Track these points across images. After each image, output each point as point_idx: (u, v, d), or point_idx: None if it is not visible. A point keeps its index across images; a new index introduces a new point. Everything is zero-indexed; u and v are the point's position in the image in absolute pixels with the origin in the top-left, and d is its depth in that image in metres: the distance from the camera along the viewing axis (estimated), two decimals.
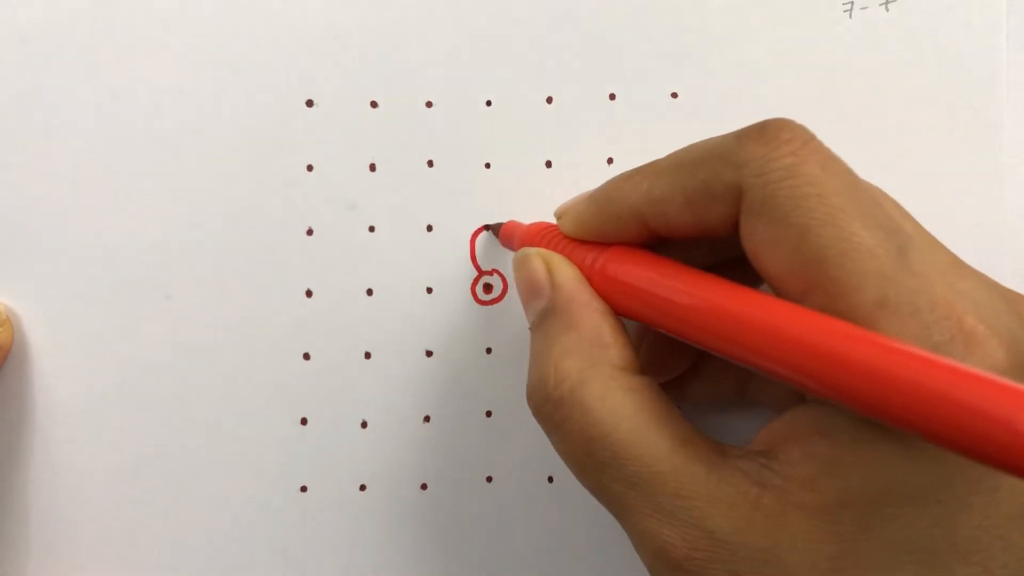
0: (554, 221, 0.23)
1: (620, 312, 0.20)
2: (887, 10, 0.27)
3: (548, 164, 0.27)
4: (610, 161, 0.27)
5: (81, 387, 0.26)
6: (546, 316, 0.21)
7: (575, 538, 0.27)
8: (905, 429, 0.14)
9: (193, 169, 0.25)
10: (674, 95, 0.27)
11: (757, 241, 0.18)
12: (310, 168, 0.26)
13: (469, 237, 0.26)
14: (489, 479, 0.27)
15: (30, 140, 0.25)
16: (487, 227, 0.26)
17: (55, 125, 0.25)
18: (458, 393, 0.27)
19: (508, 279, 0.27)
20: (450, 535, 0.27)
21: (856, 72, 0.27)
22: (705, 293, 0.18)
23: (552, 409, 0.19)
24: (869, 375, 0.15)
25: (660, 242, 0.21)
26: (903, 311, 0.16)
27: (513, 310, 0.27)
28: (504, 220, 0.26)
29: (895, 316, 0.16)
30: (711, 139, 0.19)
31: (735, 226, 0.18)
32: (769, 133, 0.18)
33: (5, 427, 0.26)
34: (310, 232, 0.26)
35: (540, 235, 0.23)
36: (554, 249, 0.22)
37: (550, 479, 0.27)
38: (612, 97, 0.27)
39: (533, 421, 0.27)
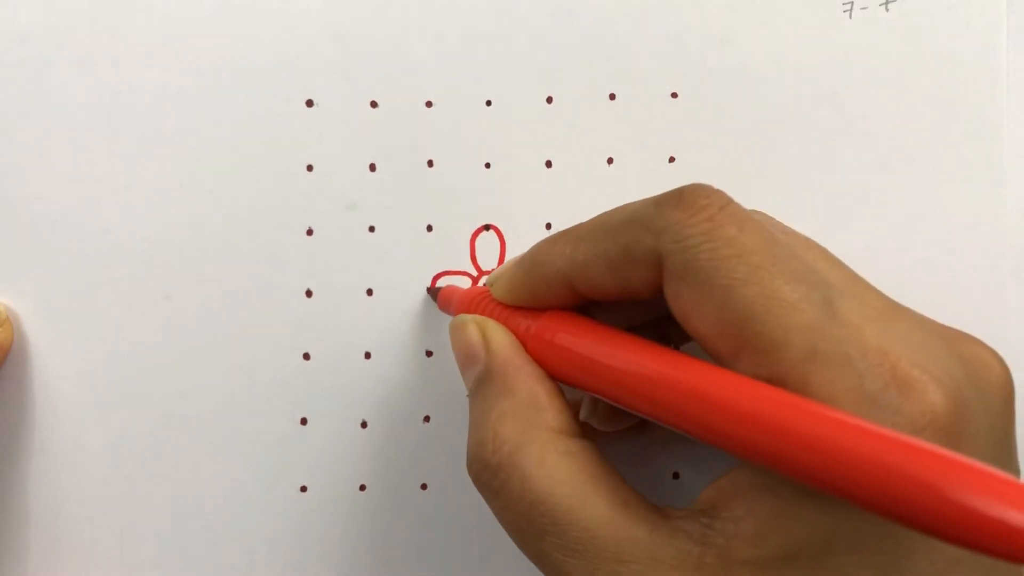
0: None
1: (555, 377, 0.20)
2: (887, 10, 0.27)
3: (548, 164, 0.27)
4: (610, 161, 0.27)
5: (81, 387, 0.26)
6: (482, 382, 0.21)
7: None
8: (834, 494, 0.14)
9: (193, 169, 0.25)
10: (674, 95, 0.27)
11: (683, 304, 0.18)
12: (310, 168, 0.26)
13: (469, 237, 0.26)
14: None
15: (30, 140, 0.25)
16: (428, 290, 0.26)
17: (55, 125, 0.25)
18: (457, 393, 0.27)
19: None
20: (450, 535, 0.27)
21: (856, 72, 0.27)
22: (637, 359, 0.18)
23: (491, 476, 0.19)
24: (797, 443, 0.15)
25: (590, 303, 0.21)
26: (833, 362, 0.16)
27: None
28: (443, 283, 0.26)
29: (826, 368, 0.16)
30: (632, 204, 0.19)
31: (658, 289, 0.19)
32: (687, 200, 0.18)
33: (5, 427, 0.26)
34: (310, 232, 0.26)
35: (476, 301, 0.23)
36: (489, 315, 0.22)
37: None
38: (612, 97, 0.27)
39: None
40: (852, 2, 0.27)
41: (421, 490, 0.27)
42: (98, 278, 0.25)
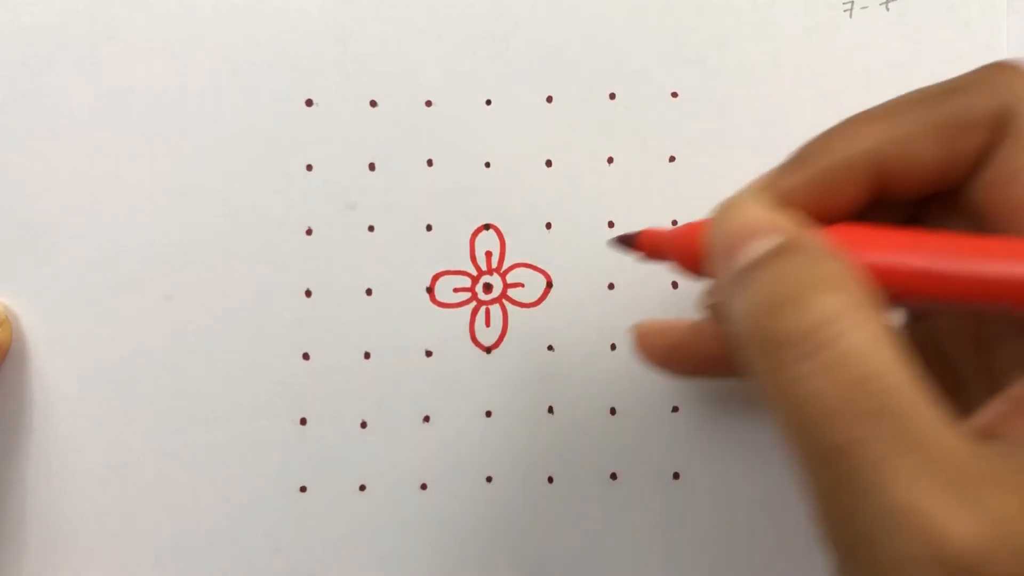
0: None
1: None
2: (887, 10, 0.27)
3: (548, 164, 0.27)
4: (610, 161, 0.27)
5: (81, 387, 0.26)
6: (785, 249, 0.17)
7: (574, 538, 0.27)
8: None
9: (193, 169, 0.25)
10: (674, 95, 0.27)
11: (1019, 168, 0.17)
12: (310, 168, 0.26)
13: (469, 237, 0.26)
14: (489, 479, 0.27)
15: (30, 140, 0.25)
16: (619, 239, 0.22)
17: (55, 125, 0.25)
18: (458, 393, 0.26)
19: (507, 279, 0.27)
20: (450, 535, 0.27)
21: (856, 72, 0.27)
22: (968, 252, 0.16)
23: (802, 336, 0.15)
24: None
25: (871, 206, 0.19)
26: None
27: (512, 309, 0.27)
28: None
29: None
30: (952, 78, 0.19)
31: (976, 163, 0.18)
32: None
33: (4, 427, 0.26)
34: (310, 232, 0.26)
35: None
36: None
37: (550, 479, 0.27)
38: (612, 97, 0.27)
39: (533, 422, 0.27)
40: (852, 1, 0.27)
41: (421, 490, 0.27)
42: (98, 278, 0.25)
